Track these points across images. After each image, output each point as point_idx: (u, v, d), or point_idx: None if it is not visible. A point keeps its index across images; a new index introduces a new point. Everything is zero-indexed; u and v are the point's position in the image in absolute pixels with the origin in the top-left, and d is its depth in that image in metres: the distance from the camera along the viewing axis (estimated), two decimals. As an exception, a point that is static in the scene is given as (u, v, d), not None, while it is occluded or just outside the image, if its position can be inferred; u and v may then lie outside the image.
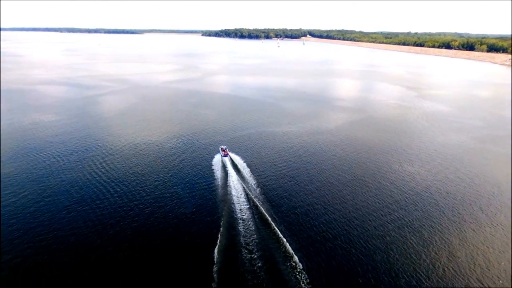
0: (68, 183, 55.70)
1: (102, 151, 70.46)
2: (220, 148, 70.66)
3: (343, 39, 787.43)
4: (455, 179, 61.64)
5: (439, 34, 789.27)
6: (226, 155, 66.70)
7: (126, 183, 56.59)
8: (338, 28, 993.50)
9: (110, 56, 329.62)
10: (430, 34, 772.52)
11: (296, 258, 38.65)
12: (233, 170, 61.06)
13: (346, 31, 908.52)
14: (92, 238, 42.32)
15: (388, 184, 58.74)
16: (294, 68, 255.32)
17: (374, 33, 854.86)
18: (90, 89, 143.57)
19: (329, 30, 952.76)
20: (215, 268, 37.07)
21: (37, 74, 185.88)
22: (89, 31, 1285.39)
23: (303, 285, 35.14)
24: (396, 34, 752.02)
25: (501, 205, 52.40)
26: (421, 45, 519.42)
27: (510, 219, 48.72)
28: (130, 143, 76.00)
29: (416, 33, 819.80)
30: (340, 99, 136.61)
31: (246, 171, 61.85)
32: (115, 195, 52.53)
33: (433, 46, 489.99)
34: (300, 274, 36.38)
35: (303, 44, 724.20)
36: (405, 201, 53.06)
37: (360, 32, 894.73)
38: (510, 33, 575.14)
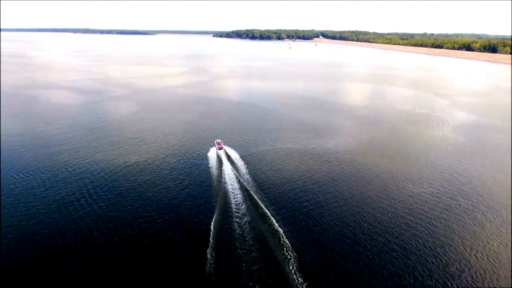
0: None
1: (98, 157, 59.38)
2: (215, 141, 69.02)
3: (357, 40, 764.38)
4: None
5: (456, 35, 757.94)
6: (220, 149, 65.69)
7: (124, 175, 58.30)
8: (351, 29, 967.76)
9: (118, 57, 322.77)
10: (447, 35, 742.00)
11: (286, 240, 40.25)
12: (228, 162, 61.57)
13: (360, 32, 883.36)
14: (90, 225, 43.68)
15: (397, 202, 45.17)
16: (306, 71, 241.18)
17: (389, 34, 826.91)
18: (90, 94, 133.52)
19: (342, 31, 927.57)
20: (209, 250, 38.51)
21: (38, 77, 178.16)
22: (102, 32, 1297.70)
23: (291, 263, 36.67)
24: (412, 35, 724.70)
25: None
26: (440, 46, 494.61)
27: (510, 218, 47.17)
28: (127, 146, 65.62)
29: (432, 34, 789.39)
30: (360, 107, 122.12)
31: (242, 165, 62.04)
32: (116, 188, 53.80)
33: (453, 48, 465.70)
34: (290, 254, 37.98)
35: (316, 45, 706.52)
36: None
37: (374, 33, 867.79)
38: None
